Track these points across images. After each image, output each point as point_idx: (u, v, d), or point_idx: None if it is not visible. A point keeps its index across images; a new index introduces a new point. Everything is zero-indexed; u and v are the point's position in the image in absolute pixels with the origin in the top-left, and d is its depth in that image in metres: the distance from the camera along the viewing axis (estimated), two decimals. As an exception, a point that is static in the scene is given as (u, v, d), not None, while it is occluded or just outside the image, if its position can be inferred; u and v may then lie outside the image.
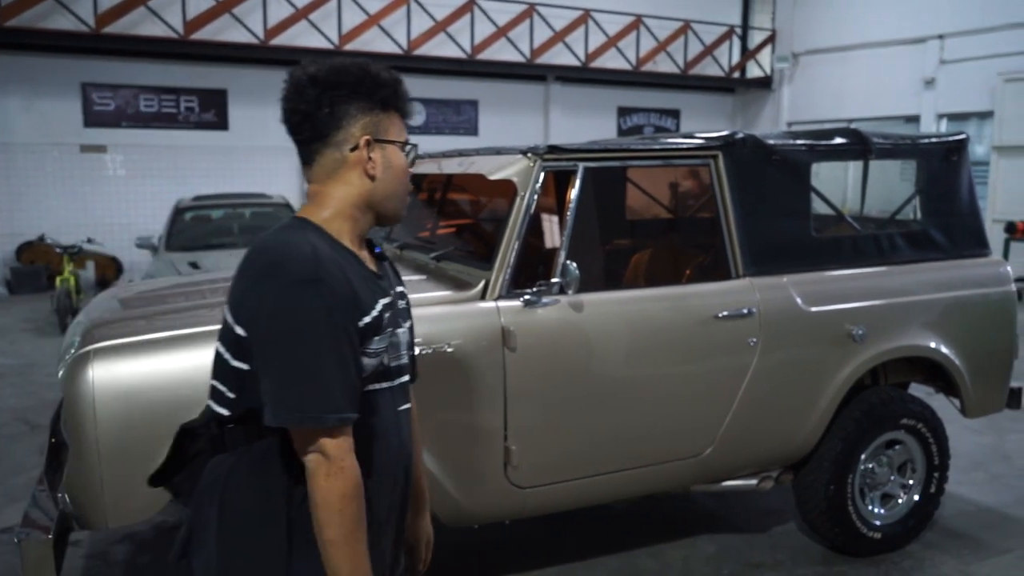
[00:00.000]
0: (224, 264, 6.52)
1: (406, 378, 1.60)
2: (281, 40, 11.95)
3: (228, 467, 1.43)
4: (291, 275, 1.33)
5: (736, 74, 16.22)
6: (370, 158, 1.47)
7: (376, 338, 1.43)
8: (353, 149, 1.46)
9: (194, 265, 6.95)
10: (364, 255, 1.51)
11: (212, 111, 12.43)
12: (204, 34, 11.54)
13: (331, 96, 1.44)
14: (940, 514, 3.82)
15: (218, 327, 2.58)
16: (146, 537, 3.70)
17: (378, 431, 1.50)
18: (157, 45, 11.42)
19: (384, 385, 1.51)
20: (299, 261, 1.35)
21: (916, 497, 3.58)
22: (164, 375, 2.42)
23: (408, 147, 1.54)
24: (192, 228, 8.43)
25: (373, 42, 12.55)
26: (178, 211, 8.52)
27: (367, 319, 1.41)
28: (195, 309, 3.12)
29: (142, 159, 12.09)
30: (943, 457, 3.62)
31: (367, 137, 1.47)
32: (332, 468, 1.34)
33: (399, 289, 1.59)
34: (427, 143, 12.71)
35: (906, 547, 3.58)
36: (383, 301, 1.46)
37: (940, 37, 12.58)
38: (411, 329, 1.63)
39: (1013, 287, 3.79)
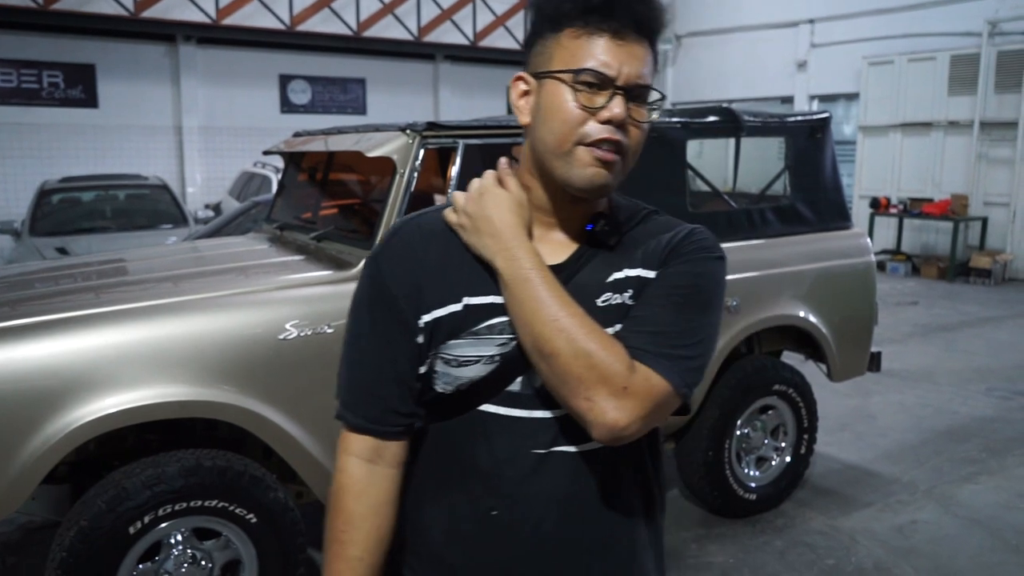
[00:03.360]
0: (96, 249, 6.18)
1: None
2: (154, 13, 11.30)
3: None
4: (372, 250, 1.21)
5: (622, 55, 16.50)
6: (522, 99, 1.14)
7: (453, 341, 1.11)
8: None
9: (61, 250, 6.57)
10: (536, 234, 1.15)
11: (79, 87, 11.68)
12: (68, 4, 10.80)
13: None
14: (810, 473, 4.05)
15: (85, 312, 2.46)
16: (12, 539, 3.49)
17: (459, 472, 1.15)
18: (13, 15, 10.60)
19: (501, 411, 1.12)
20: (384, 235, 1.20)
21: (788, 459, 3.79)
22: (22, 365, 2.27)
23: (578, 74, 1.05)
24: (60, 211, 7.97)
25: (254, 16, 12.08)
26: (44, 193, 8.03)
27: (439, 312, 1.11)
28: (62, 295, 2.95)
29: (0, 138, 11.27)
30: (812, 420, 3.83)
31: (519, 74, 1.15)
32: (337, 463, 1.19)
33: (614, 277, 1.14)
34: (313, 122, 12.38)
35: (779, 506, 3.78)
36: (494, 299, 1.10)
37: (811, 21, 13.16)
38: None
39: (873, 258, 4.03)
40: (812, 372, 3.99)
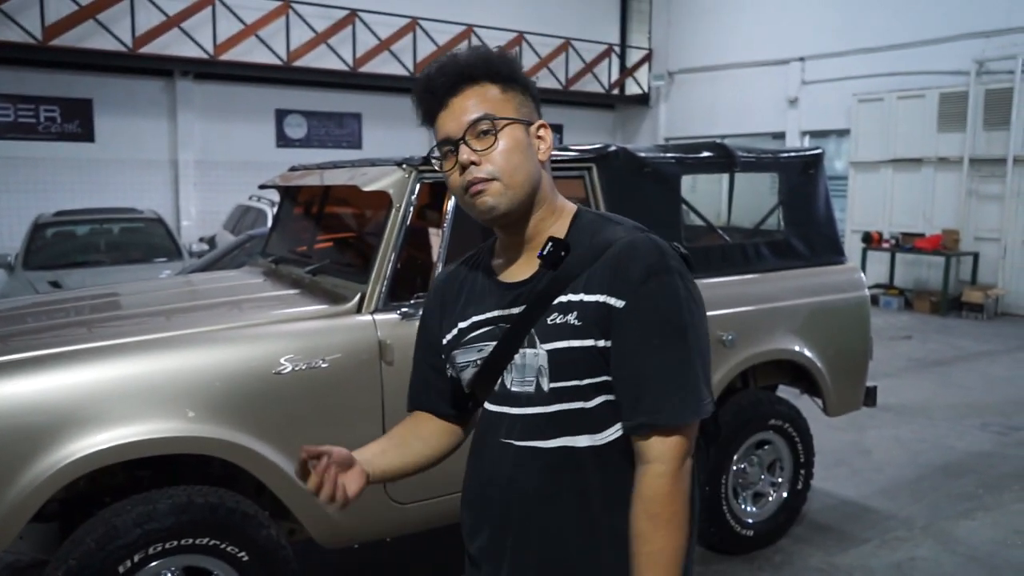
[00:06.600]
0: (89, 282, 6.15)
1: (528, 409, 1.31)
2: (151, 48, 11.42)
3: None
4: None
5: (616, 91, 16.71)
6: None
7: (455, 352, 1.40)
8: None
9: (55, 284, 6.54)
10: (500, 262, 1.40)
11: (76, 122, 11.74)
12: (66, 40, 10.89)
13: None
14: (807, 509, 4.02)
15: (77, 347, 2.44)
16: (-3, 578, 3.43)
17: (472, 451, 1.44)
18: (12, 51, 10.69)
19: (489, 408, 1.38)
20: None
21: (784, 494, 3.76)
22: (12, 401, 2.25)
23: (434, 151, 1.37)
24: (54, 245, 7.95)
25: (251, 52, 12.21)
26: (37, 227, 8.02)
27: (448, 336, 1.42)
28: (54, 329, 2.93)
29: (-4, 172, 11.30)
30: (808, 455, 3.80)
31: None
32: None
33: (559, 300, 1.29)
34: (309, 156, 12.46)
35: (777, 542, 3.75)
36: (476, 318, 1.37)
37: (801, 59, 13.36)
38: (567, 352, 1.27)
39: (867, 292, 4.04)
40: (808, 407, 3.98)
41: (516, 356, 1.31)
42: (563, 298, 1.28)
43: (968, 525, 3.99)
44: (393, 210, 2.84)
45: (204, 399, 2.45)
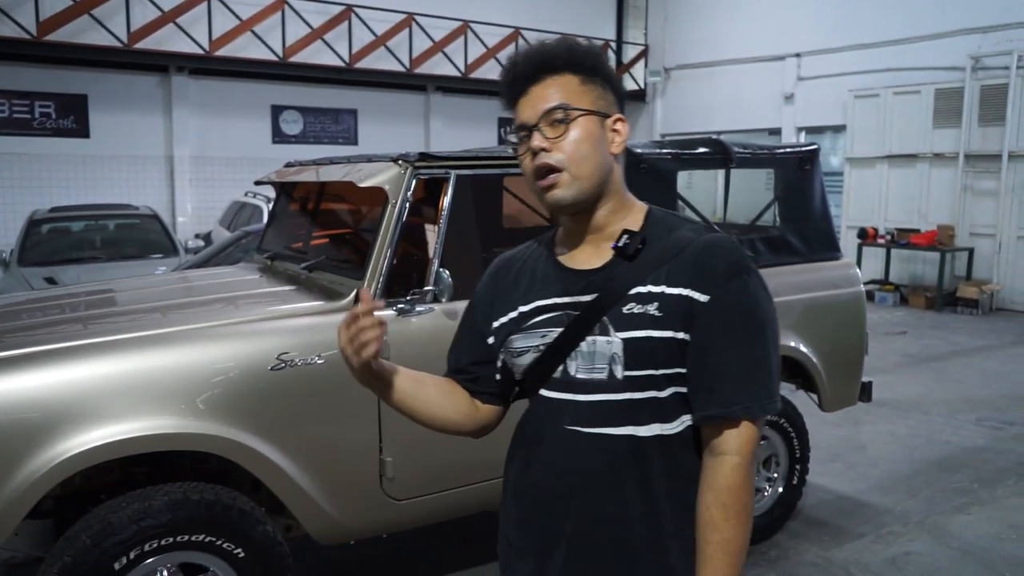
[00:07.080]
0: (84, 279, 6.15)
1: (596, 397, 1.31)
2: (147, 44, 11.39)
3: None
4: None
5: (612, 87, 16.67)
6: None
7: (513, 336, 1.39)
8: None
9: (50, 280, 6.53)
10: (564, 251, 1.41)
11: (71, 117, 11.70)
12: (60, 35, 10.85)
13: None
14: (802, 504, 4.03)
15: (72, 343, 2.44)
16: (-7, 575, 3.42)
17: (523, 438, 1.43)
18: (6, 46, 10.65)
19: (546, 394, 1.37)
20: None
21: (780, 489, 3.77)
22: (7, 397, 2.25)
23: (511, 135, 1.39)
24: (49, 241, 7.94)
25: (246, 48, 12.18)
26: (33, 223, 8.01)
27: (503, 319, 1.42)
28: (50, 326, 2.92)
29: (-9, 168, 11.26)
30: (804, 450, 3.82)
31: None
32: None
33: (637, 291, 1.30)
34: (305, 152, 12.44)
35: (772, 537, 3.76)
36: (540, 303, 1.37)
37: (797, 55, 13.36)
38: (645, 342, 1.28)
39: (862, 288, 4.04)
40: (803, 402, 3.99)
41: (583, 343, 1.31)
42: (642, 288, 1.30)
43: (963, 520, 4.01)
44: (389, 206, 2.84)
45: (200, 396, 2.45)
